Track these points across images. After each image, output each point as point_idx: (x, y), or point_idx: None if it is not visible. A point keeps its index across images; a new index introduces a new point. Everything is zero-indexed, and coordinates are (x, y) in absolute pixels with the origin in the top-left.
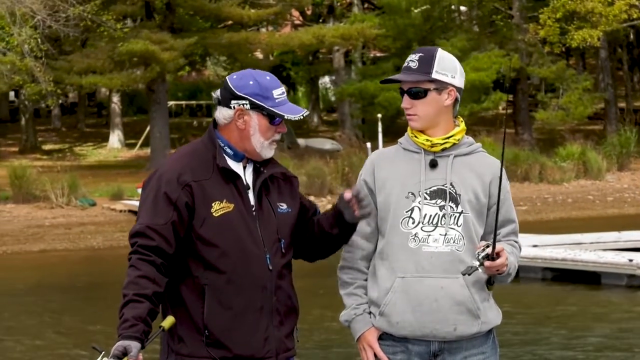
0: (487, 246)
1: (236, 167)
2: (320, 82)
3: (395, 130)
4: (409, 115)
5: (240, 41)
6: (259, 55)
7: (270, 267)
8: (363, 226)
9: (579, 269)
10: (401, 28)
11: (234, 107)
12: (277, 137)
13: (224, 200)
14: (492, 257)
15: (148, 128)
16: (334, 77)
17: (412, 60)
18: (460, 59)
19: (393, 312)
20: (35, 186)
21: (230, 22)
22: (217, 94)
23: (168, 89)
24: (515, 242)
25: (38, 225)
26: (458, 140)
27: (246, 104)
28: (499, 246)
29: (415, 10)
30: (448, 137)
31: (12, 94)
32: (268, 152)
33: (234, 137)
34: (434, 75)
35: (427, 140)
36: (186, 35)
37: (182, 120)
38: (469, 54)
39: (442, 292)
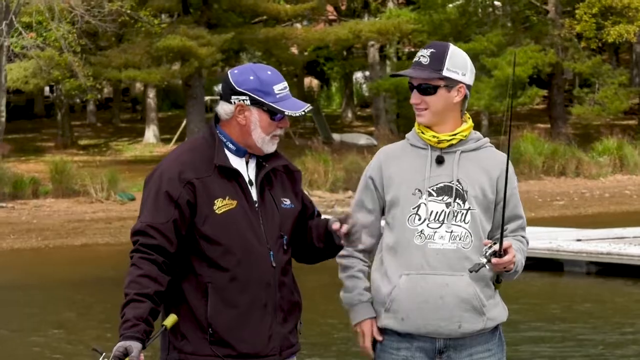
0: (495, 243)
1: (238, 162)
2: (353, 77)
3: None
4: (418, 110)
5: (276, 36)
6: (293, 50)
7: (274, 264)
8: (366, 217)
9: (624, 262)
10: (437, 23)
11: (234, 103)
12: (279, 131)
13: (227, 197)
14: (499, 254)
15: (184, 123)
16: (367, 73)
17: (424, 55)
18: (496, 54)
19: (399, 309)
20: (74, 181)
21: (265, 17)
22: (219, 88)
23: (204, 84)
24: (523, 237)
25: (78, 220)
26: (465, 136)
27: (246, 100)
28: (506, 243)
29: (451, 6)
30: (455, 134)
31: (46, 89)
32: (270, 147)
33: (235, 133)
34: (445, 73)
35: (434, 136)
36: (223, 30)
37: None
38: (505, 49)
39: (447, 290)
